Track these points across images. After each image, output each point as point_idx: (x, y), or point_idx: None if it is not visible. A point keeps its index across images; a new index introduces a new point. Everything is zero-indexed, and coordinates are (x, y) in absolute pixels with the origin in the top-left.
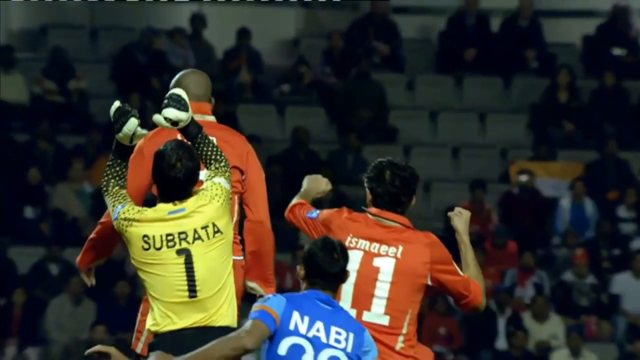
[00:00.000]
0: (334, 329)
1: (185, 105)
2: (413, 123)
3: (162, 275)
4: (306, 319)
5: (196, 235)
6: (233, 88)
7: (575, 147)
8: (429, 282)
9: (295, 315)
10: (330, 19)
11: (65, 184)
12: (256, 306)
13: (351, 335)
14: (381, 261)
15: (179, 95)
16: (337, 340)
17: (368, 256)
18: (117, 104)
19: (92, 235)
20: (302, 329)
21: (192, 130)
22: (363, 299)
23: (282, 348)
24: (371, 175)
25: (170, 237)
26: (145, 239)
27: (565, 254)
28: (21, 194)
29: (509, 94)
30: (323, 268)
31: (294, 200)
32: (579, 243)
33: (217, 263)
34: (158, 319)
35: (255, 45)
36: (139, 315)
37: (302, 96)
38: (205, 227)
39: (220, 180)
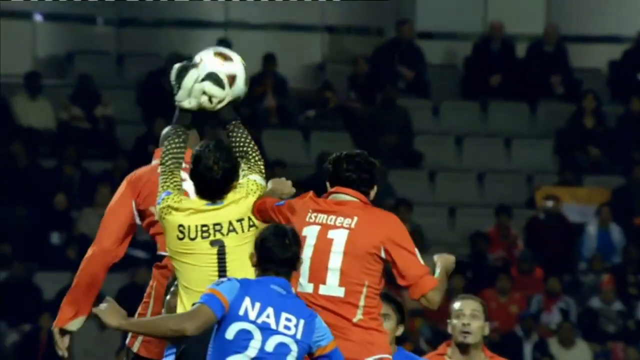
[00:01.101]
0: (284, 315)
1: (221, 83)
2: (438, 148)
3: (194, 265)
4: (257, 304)
5: (231, 228)
6: (258, 113)
7: (601, 172)
8: (382, 255)
9: (247, 301)
10: (355, 44)
11: (92, 210)
12: (208, 289)
13: (301, 322)
14: (335, 233)
15: (216, 74)
16: (287, 327)
17: (324, 229)
18: (177, 66)
19: (74, 283)
20: (252, 315)
21: (226, 115)
22: (319, 273)
23: (230, 333)
24: (328, 166)
25: (205, 228)
26: (181, 228)
27: (592, 279)
28: (47, 219)
29: (535, 119)
30: (274, 253)
31: None
32: (605, 269)
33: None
34: (187, 308)
35: (281, 71)
36: (136, 315)
37: (328, 121)
38: (240, 220)
39: (256, 177)
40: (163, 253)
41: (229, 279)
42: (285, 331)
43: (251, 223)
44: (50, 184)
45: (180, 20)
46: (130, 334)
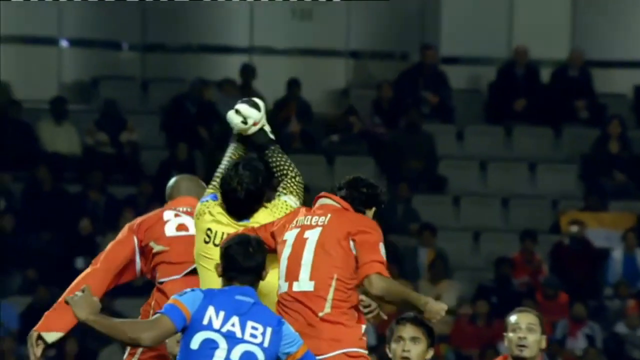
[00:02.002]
0: (250, 323)
1: (257, 106)
2: (463, 173)
3: (213, 272)
4: (221, 313)
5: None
6: (282, 138)
7: (626, 197)
8: (352, 248)
9: (210, 310)
10: (379, 69)
11: (116, 235)
12: (171, 299)
13: (268, 330)
14: (310, 231)
15: (254, 99)
16: (253, 335)
17: (302, 230)
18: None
19: (63, 296)
20: (216, 324)
21: (260, 139)
22: (293, 270)
23: (195, 342)
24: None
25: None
26: (208, 232)
27: (617, 305)
28: (72, 244)
29: (559, 144)
30: (238, 261)
31: None
32: (631, 294)
33: (269, 270)
34: None
35: (305, 96)
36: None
37: (352, 146)
38: None
39: (289, 198)
40: (163, 279)
41: (192, 290)
42: (252, 339)
43: None
44: (75, 209)
45: (205, 45)
46: (127, 352)
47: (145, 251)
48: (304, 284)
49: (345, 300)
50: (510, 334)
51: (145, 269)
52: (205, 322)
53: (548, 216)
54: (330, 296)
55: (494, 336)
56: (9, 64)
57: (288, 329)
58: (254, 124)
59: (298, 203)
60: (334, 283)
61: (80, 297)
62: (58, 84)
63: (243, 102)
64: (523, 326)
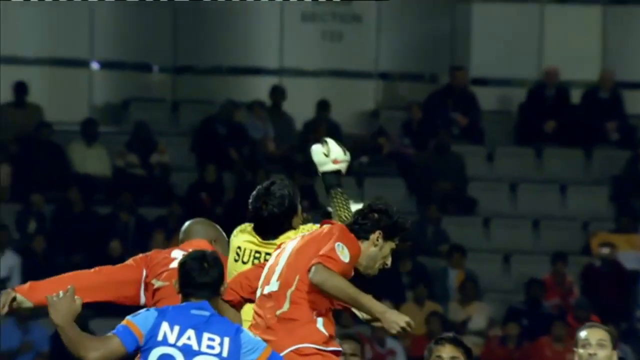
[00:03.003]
0: (206, 335)
1: (344, 150)
2: (493, 195)
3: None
4: (176, 328)
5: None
6: (312, 159)
7: None
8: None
9: (164, 326)
10: (409, 90)
11: None
12: (125, 320)
13: (226, 340)
14: (293, 242)
15: (339, 142)
16: (210, 347)
17: (291, 244)
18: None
19: (61, 279)
20: (171, 339)
21: (332, 180)
22: (268, 276)
23: (152, 359)
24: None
25: (257, 255)
26: (238, 250)
27: None
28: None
29: (590, 165)
30: (192, 277)
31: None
32: None
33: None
34: None
35: (335, 117)
36: None
37: (381, 167)
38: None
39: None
40: None
41: (147, 309)
42: (209, 351)
43: None
44: (105, 230)
45: (235, 67)
46: None
47: (148, 287)
48: (273, 285)
49: (303, 298)
50: (581, 350)
51: (149, 304)
52: (160, 338)
53: (579, 238)
54: (289, 293)
55: (525, 358)
56: (41, 86)
57: (247, 336)
58: (334, 162)
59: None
60: (295, 282)
61: (61, 299)
62: (89, 106)
63: (335, 142)
64: (593, 342)
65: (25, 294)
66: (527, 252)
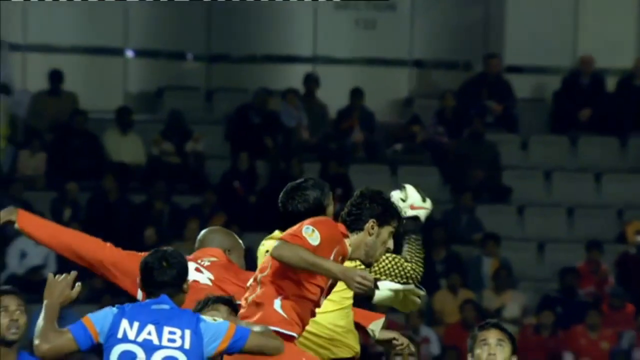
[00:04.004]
0: (167, 329)
1: (424, 197)
2: (527, 183)
3: None
4: (136, 324)
5: None
6: (346, 148)
7: None
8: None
9: (124, 323)
10: (443, 78)
11: (181, 244)
12: (85, 316)
13: (187, 332)
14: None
15: (420, 190)
16: (171, 340)
17: None
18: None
19: (75, 232)
20: (131, 335)
21: (410, 226)
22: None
23: (113, 357)
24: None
25: None
26: (266, 254)
27: None
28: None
29: (625, 153)
30: (153, 275)
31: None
32: None
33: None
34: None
35: (368, 105)
36: None
37: (415, 155)
38: None
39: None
40: None
41: (110, 307)
42: (170, 344)
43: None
44: (140, 218)
45: (269, 55)
46: None
47: None
48: (260, 273)
49: (270, 281)
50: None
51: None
52: (119, 335)
53: (614, 226)
54: (260, 277)
55: (559, 346)
56: (76, 75)
57: (207, 325)
58: (411, 207)
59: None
60: (269, 268)
61: (60, 282)
62: (123, 94)
63: (415, 187)
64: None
65: (20, 216)
66: (561, 240)
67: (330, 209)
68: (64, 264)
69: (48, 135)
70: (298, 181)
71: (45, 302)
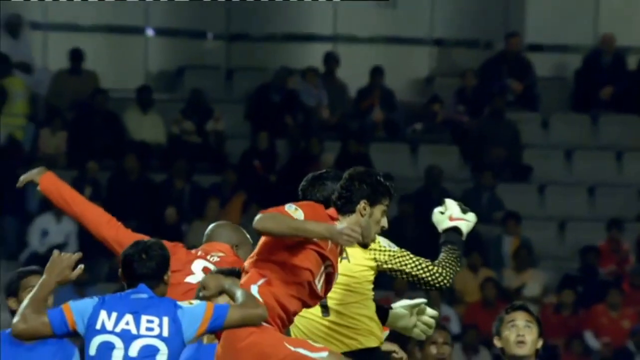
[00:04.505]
0: (144, 318)
1: (465, 209)
2: (548, 161)
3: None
4: (114, 315)
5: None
6: (366, 126)
7: None
8: None
9: (102, 314)
10: (463, 57)
11: (201, 223)
12: (65, 303)
13: (165, 320)
14: None
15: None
16: (149, 329)
17: None
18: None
19: (81, 200)
20: (109, 326)
21: (452, 237)
22: None
23: (92, 348)
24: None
25: None
26: None
27: None
28: (158, 233)
29: None
30: (133, 268)
31: None
32: None
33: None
34: (303, 331)
35: (388, 84)
36: None
37: (435, 134)
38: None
39: (405, 256)
40: None
41: (91, 297)
42: (148, 333)
43: (344, 255)
44: (160, 197)
45: (289, 34)
46: None
47: None
48: (247, 261)
49: (256, 267)
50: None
51: None
52: (98, 326)
53: (635, 204)
54: (247, 264)
55: (580, 326)
56: (96, 54)
57: (184, 310)
58: (450, 219)
59: (393, 248)
60: (255, 254)
61: (63, 260)
62: (144, 73)
63: (457, 201)
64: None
65: (45, 178)
66: (582, 219)
67: (384, 220)
68: (85, 243)
69: (68, 114)
70: (320, 171)
71: (43, 277)
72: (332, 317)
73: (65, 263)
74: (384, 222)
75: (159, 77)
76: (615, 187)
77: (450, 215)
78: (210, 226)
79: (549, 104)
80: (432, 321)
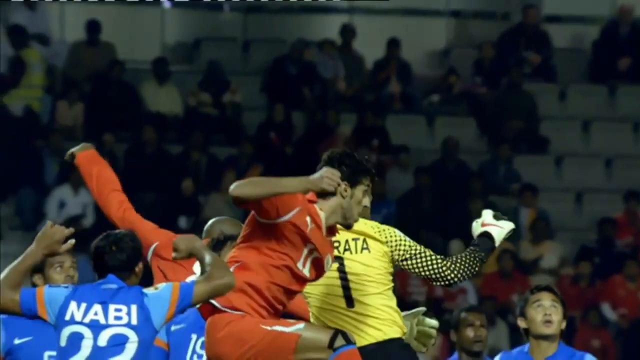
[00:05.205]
0: (112, 307)
1: (500, 216)
2: (565, 133)
3: (318, 285)
4: (83, 305)
5: (346, 246)
6: (382, 99)
7: None
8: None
9: (72, 305)
10: (480, 29)
11: (218, 195)
12: (42, 286)
13: (133, 308)
14: None
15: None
16: (118, 317)
17: None
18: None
19: (116, 185)
20: (78, 317)
21: (485, 244)
22: None
23: (62, 339)
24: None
25: None
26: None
27: None
28: (175, 204)
29: None
30: (104, 260)
31: None
32: None
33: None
34: (320, 320)
35: (405, 56)
36: None
37: (452, 107)
38: (355, 240)
39: (418, 248)
40: None
41: (66, 286)
42: (117, 322)
43: (364, 246)
44: (177, 169)
45: (305, 6)
46: None
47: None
48: None
49: (235, 253)
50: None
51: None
52: (67, 317)
53: None
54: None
55: (597, 297)
56: (113, 25)
57: (151, 296)
58: (482, 225)
59: (404, 237)
60: (242, 229)
61: (54, 233)
62: (161, 45)
63: (495, 211)
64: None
65: (83, 154)
66: (599, 190)
67: (366, 200)
68: (102, 214)
69: (85, 85)
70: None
71: (30, 247)
72: (356, 307)
73: (57, 236)
74: (366, 201)
75: (176, 49)
76: (633, 158)
77: (483, 222)
78: (210, 222)
79: (567, 76)
80: (432, 332)
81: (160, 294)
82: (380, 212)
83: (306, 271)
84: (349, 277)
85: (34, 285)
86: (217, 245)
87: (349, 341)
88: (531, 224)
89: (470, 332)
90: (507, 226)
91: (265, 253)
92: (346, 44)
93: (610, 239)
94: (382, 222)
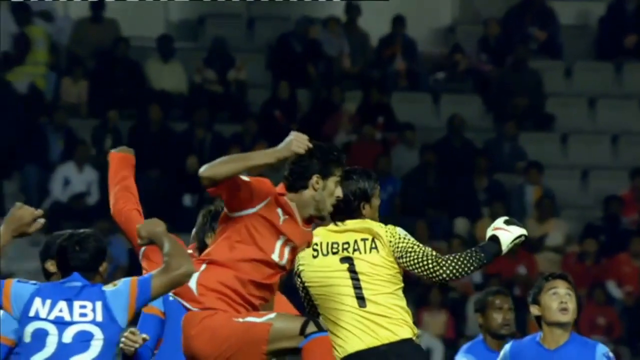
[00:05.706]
0: (77, 304)
1: (512, 222)
2: (571, 110)
3: (330, 285)
4: (48, 302)
5: (355, 247)
6: (388, 76)
7: None
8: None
9: (36, 302)
10: (486, 5)
11: None
12: (10, 280)
13: (98, 304)
14: None
15: (520, 225)
16: (83, 314)
17: None
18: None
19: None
20: (43, 313)
21: (491, 247)
22: None
23: (27, 336)
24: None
25: (335, 245)
26: (315, 246)
27: None
28: (180, 182)
29: None
30: (67, 259)
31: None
32: None
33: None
34: (329, 327)
35: (410, 33)
36: None
37: (457, 84)
38: (364, 240)
39: (408, 242)
40: None
41: (32, 282)
42: (82, 319)
43: (373, 245)
44: (182, 146)
45: None
46: None
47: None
48: None
49: (216, 251)
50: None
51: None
52: (32, 314)
53: None
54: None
55: (602, 275)
56: (118, 2)
57: (109, 294)
58: (493, 229)
59: (404, 234)
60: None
61: (25, 215)
62: (165, 22)
63: (510, 217)
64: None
65: (116, 154)
66: (605, 167)
67: (376, 202)
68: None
69: (90, 62)
70: (348, 169)
71: (3, 227)
72: (368, 307)
73: (26, 218)
74: (338, 192)
75: (180, 26)
76: (639, 135)
77: (495, 226)
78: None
79: (573, 52)
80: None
81: (119, 289)
82: (385, 189)
83: (284, 262)
84: (360, 276)
85: (49, 272)
86: (215, 216)
87: (320, 328)
88: (537, 202)
89: (498, 316)
90: (516, 231)
91: (237, 248)
92: (351, 21)
93: (615, 216)
94: (387, 200)
